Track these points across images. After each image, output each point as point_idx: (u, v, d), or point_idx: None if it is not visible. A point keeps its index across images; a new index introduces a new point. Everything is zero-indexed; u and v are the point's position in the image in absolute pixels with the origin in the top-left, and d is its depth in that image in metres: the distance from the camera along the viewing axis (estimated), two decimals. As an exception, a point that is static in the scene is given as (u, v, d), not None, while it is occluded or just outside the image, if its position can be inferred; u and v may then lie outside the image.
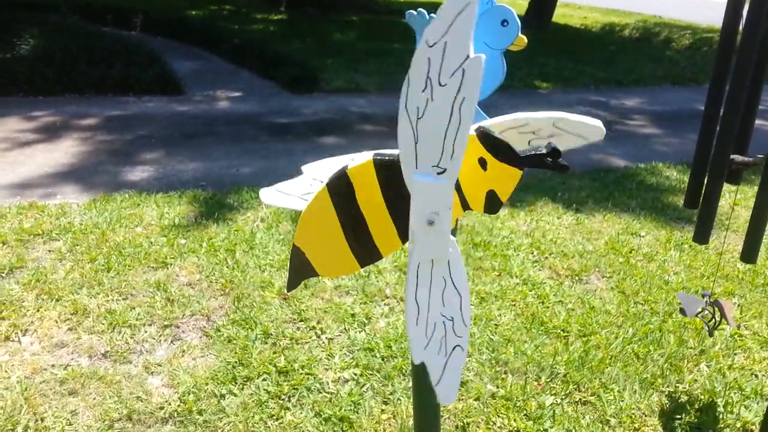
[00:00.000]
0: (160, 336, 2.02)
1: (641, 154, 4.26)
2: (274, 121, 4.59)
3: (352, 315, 2.14)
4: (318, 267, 0.85)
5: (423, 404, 0.95)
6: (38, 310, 2.09)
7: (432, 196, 0.69)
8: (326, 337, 2.03)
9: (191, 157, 3.76)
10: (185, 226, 2.76)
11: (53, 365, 1.85)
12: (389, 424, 1.68)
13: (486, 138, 0.72)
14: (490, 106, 1.20)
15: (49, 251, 2.48)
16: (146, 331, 2.03)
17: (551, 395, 1.82)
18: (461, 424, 1.70)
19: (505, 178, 0.72)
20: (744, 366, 1.98)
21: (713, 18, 11.97)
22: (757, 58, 1.34)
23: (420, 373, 0.88)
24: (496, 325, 2.13)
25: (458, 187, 0.76)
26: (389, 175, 0.77)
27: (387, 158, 0.77)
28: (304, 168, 0.94)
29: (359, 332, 2.06)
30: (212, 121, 4.53)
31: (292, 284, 0.89)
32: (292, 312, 2.15)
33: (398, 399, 1.76)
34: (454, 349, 0.79)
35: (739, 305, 2.34)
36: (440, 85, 0.65)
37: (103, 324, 2.04)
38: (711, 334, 1.69)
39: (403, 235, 0.80)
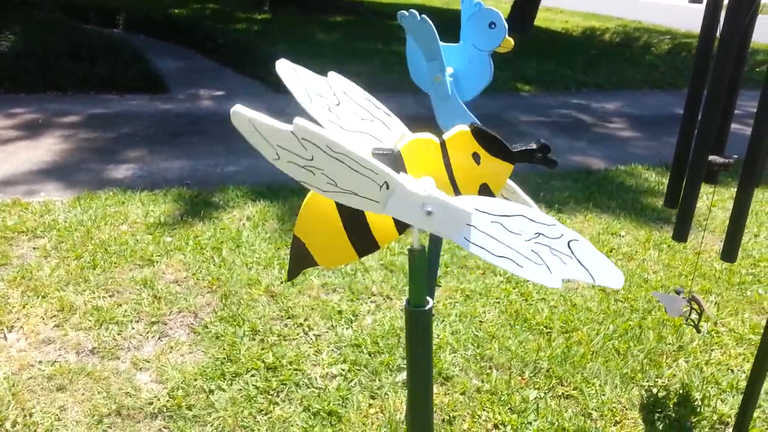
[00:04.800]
0: (148, 332, 2.02)
1: (621, 156, 4.34)
2: (259, 121, 4.59)
3: (339, 312, 2.17)
4: (317, 257, 0.88)
5: (415, 398, 0.98)
6: (24, 307, 2.08)
7: (455, 224, 0.72)
8: (314, 334, 2.05)
9: (176, 155, 3.75)
10: (171, 224, 2.76)
11: (40, 361, 1.85)
12: (377, 418, 1.71)
13: (480, 133, 0.75)
14: (473, 106, 1.24)
15: (34, 248, 2.47)
16: (134, 328, 2.04)
17: (535, 389, 1.86)
18: (447, 417, 1.73)
19: (498, 172, 0.75)
20: (720, 361, 2.04)
21: (692, 23, 12.20)
22: (734, 63, 1.39)
23: (414, 367, 0.91)
24: (480, 321, 2.17)
25: (453, 181, 0.79)
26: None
27: (383, 152, 0.80)
28: (330, 74, 0.92)
29: (346, 329, 2.08)
30: (196, 119, 4.52)
31: (292, 273, 0.91)
32: (280, 309, 2.17)
33: (386, 393, 1.79)
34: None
35: (716, 303, 2.41)
36: (535, 242, 0.71)
37: (90, 321, 2.04)
38: (698, 330, 1.75)
39: (400, 226, 0.83)
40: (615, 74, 7.20)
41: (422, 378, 0.89)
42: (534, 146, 0.71)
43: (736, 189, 1.47)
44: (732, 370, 2.01)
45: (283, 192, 3.19)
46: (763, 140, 1.39)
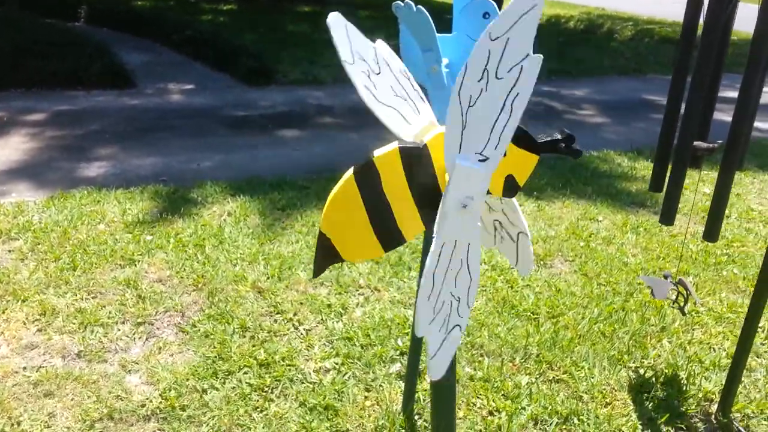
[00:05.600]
0: (135, 333, 1.99)
1: (593, 143, 4.40)
2: (231, 114, 4.53)
3: (329, 306, 2.16)
4: (343, 252, 0.87)
5: (440, 401, 0.98)
6: (3, 312, 2.02)
7: (471, 180, 0.72)
8: (304, 329, 2.05)
9: (148, 151, 3.68)
10: (150, 222, 2.71)
11: (25, 367, 1.80)
12: (373, 410, 1.71)
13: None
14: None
15: (9, 251, 2.40)
16: (120, 329, 2.00)
17: (526, 375, 1.89)
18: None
19: (524, 163, 0.76)
20: (702, 340, 2.10)
21: (654, 10, 12.44)
22: (717, 50, 1.42)
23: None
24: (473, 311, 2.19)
25: None
26: (414, 162, 0.80)
27: (411, 146, 0.80)
28: (378, 42, 0.92)
29: (337, 322, 2.08)
30: (166, 114, 4.43)
31: (318, 270, 0.91)
32: (268, 305, 2.15)
33: (380, 385, 1.80)
34: (453, 328, 0.82)
35: (694, 284, 2.48)
36: (497, 77, 0.68)
37: (73, 324, 1.99)
38: (684, 313, 1.79)
39: (427, 219, 0.83)
40: (582, 61, 7.29)
41: (446, 379, 0.90)
42: (558, 136, 0.71)
43: (717, 173, 1.51)
44: (713, 349, 2.07)
45: (261, 187, 3.15)
46: (744, 125, 1.43)
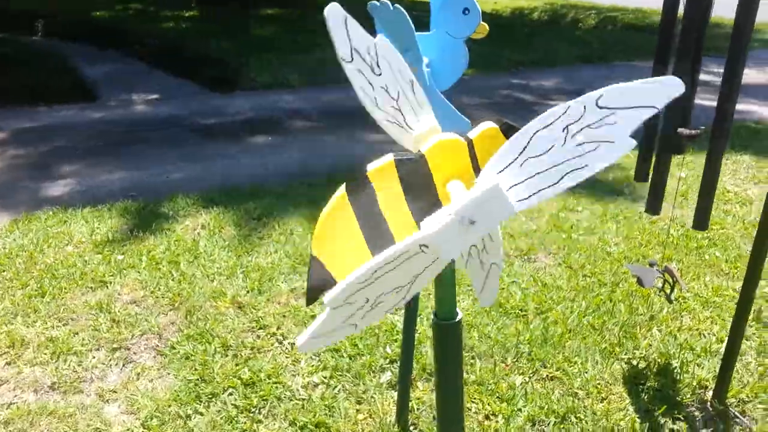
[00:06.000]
0: (110, 360, 1.90)
1: (567, 132, 4.40)
2: (200, 123, 4.43)
3: (312, 317, 2.09)
4: (338, 275, 0.81)
5: (447, 413, 0.93)
6: (-31, 347, 1.92)
7: (497, 206, 0.65)
8: (289, 343, 1.98)
9: (116, 166, 3.56)
10: (120, 241, 2.61)
11: (-5, 405, 1.70)
12: (367, 424, 1.65)
13: (509, 129, 0.71)
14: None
15: (-28, 281, 2.28)
16: (94, 357, 1.91)
17: (520, 375, 1.85)
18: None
19: None
20: (691, 327, 2.09)
21: (614, -3, 12.56)
22: (696, 35, 1.39)
23: (446, 384, 0.86)
24: (456, 312, 2.14)
25: None
26: (411, 174, 0.74)
27: (408, 157, 0.74)
28: (379, 37, 0.81)
29: (322, 333, 2.01)
30: (132, 126, 4.31)
31: (312, 298, 0.83)
32: (250, 320, 2.08)
33: (372, 397, 1.74)
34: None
35: (678, 269, 2.47)
36: (575, 141, 0.63)
37: (45, 354, 1.89)
38: (671, 301, 1.77)
39: None
40: (549, 52, 7.32)
41: (453, 393, 0.85)
42: None
43: (691, 156, 1.49)
44: (703, 335, 2.05)
45: (236, 196, 3.07)
46: (729, 111, 1.41)
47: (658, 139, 1.48)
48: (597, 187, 3.32)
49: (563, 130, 0.64)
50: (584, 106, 0.63)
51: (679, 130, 1.46)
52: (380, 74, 0.78)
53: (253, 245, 2.57)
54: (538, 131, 0.64)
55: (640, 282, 1.75)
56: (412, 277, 0.68)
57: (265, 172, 3.49)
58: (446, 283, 0.80)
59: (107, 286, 2.27)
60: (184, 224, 2.77)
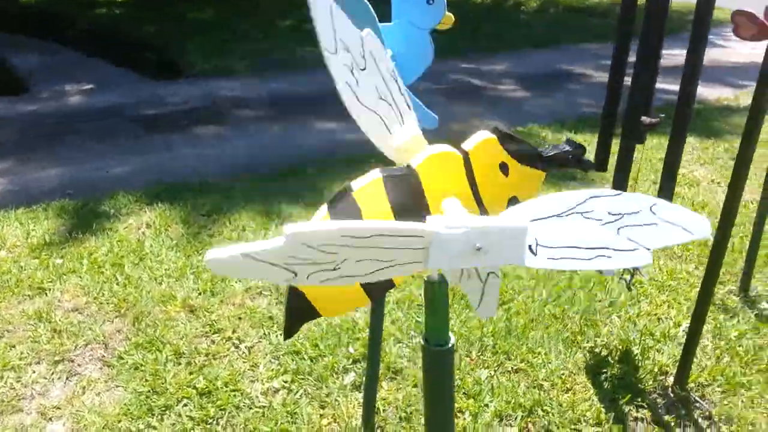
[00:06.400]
0: (53, 374, 1.77)
1: (517, 118, 4.41)
2: (140, 113, 4.22)
3: (270, 318, 2.01)
4: (321, 307, 0.73)
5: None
6: None
7: (513, 248, 0.59)
8: (246, 346, 1.89)
9: (51, 162, 3.35)
10: (59, 243, 2.45)
11: None
12: (331, 429, 1.59)
13: (508, 140, 0.64)
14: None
15: None
16: (34, 371, 1.77)
17: (485, 368, 1.82)
18: (404, 414, 1.65)
19: (528, 182, 0.65)
20: (649, 312, 2.11)
21: (556, -19, 12.71)
22: (657, 24, 1.37)
23: (436, 410, 0.81)
24: (419, 305, 2.10)
25: (478, 198, 0.68)
26: (401, 191, 0.67)
27: (397, 173, 0.67)
28: (366, 31, 0.75)
29: (281, 335, 1.93)
30: (67, 119, 4.06)
31: (289, 332, 0.75)
32: (203, 324, 1.98)
33: (336, 400, 1.68)
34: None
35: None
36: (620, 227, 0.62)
37: (-22, 372, 1.75)
38: (629, 289, 1.77)
39: None
40: (497, 36, 7.34)
41: (445, 419, 0.79)
42: (567, 147, 0.60)
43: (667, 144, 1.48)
44: (661, 320, 2.08)
45: (181, 192, 2.93)
46: (691, 96, 1.40)
47: (623, 127, 1.46)
48: (554, 174, 3.34)
49: (611, 216, 0.62)
50: (640, 204, 0.62)
51: (642, 118, 1.45)
52: (364, 69, 0.71)
53: (203, 244, 2.46)
54: (592, 197, 0.61)
55: (600, 271, 1.75)
56: (388, 261, 0.61)
57: (211, 166, 3.35)
58: (439, 308, 0.74)
59: (46, 293, 2.12)
60: (127, 223, 2.62)
